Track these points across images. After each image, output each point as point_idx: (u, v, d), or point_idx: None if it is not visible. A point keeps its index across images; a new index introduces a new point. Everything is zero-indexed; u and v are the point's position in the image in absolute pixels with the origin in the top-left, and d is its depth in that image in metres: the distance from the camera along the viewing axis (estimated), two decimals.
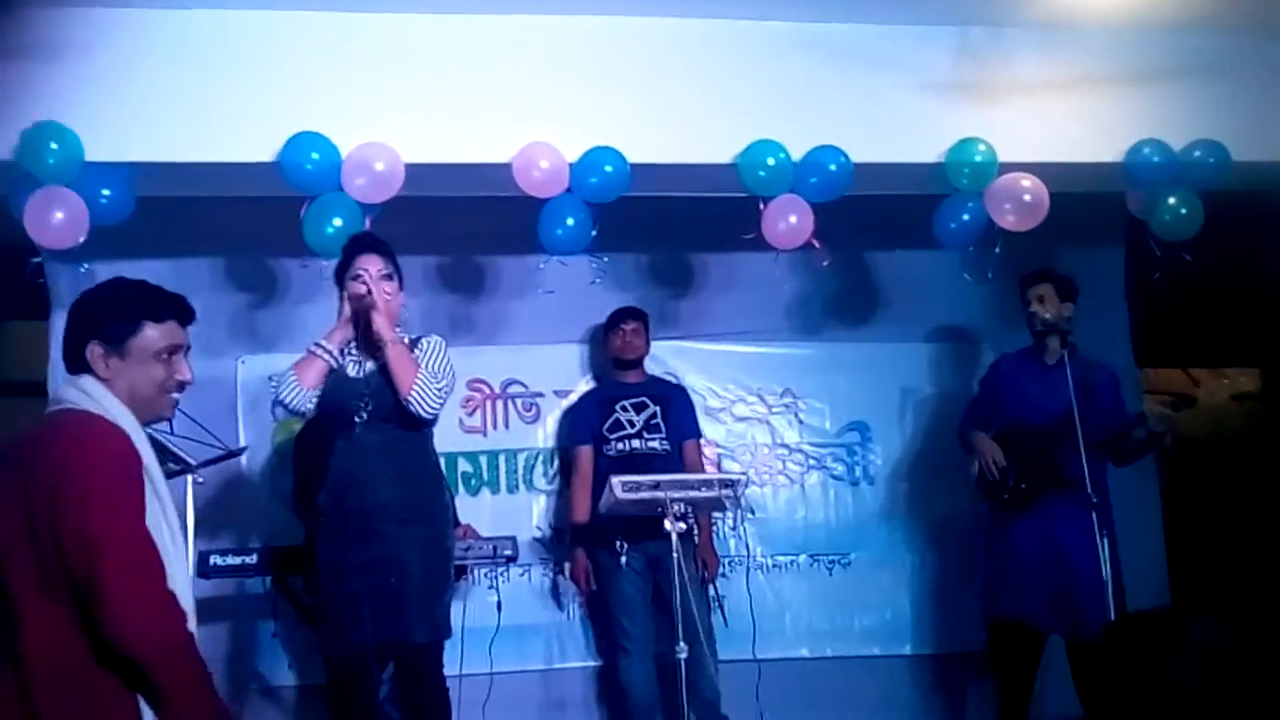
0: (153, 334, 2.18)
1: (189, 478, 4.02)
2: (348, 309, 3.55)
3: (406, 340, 3.58)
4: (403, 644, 3.44)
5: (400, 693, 3.57)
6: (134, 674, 1.95)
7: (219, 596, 4.58)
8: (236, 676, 4.78)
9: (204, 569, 4.11)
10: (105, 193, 3.87)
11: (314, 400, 3.52)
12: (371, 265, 3.55)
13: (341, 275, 3.63)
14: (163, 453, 3.84)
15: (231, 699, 4.72)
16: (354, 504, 3.43)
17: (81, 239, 3.83)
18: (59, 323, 4.70)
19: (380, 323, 3.47)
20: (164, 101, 3.91)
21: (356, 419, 3.48)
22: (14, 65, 3.85)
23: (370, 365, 3.57)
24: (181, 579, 2.09)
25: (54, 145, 3.73)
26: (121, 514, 1.98)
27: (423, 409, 3.48)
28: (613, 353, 4.85)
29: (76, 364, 2.18)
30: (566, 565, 4.80)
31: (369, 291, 3.50)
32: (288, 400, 3.50)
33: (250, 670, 4.81)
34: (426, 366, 3.52)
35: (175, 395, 2.23)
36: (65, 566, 1.94)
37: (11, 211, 3.84)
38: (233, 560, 4.25)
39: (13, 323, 5.73)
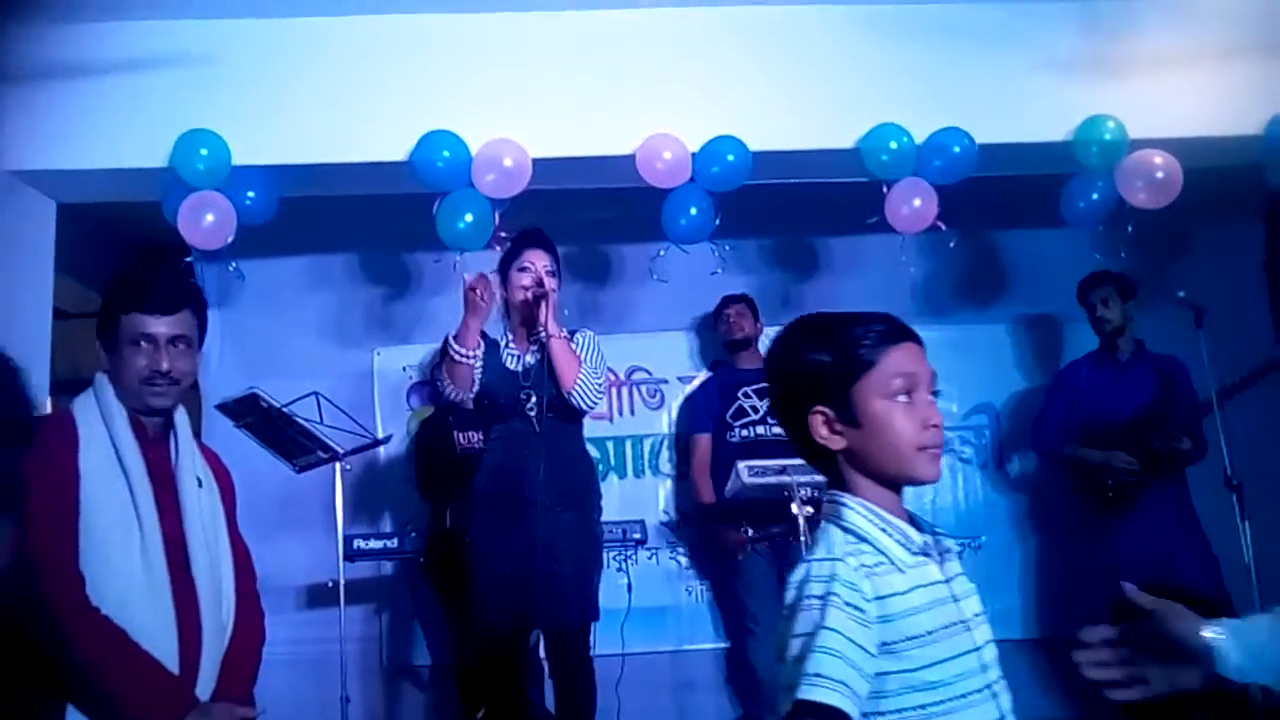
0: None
1: (336, 465, 4.17)
2: (486, 304, 3.56)
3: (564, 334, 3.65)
4: (554, 625, 3.53)
5: (551, 672, 3.67)
6: None
7: (363, 579, 4.78)
8: (378, 655, 4.98)
9: (349, 552, 4.25)
10: (250, 195, 4.03)
11: (472, 397, 3.64)
12: (539, 260, 3.64)
13: (506, 266, 3.70)
14: (313, 441, 4.01)
15: (371, 676, 4.94)
16: (512, 490, 3.50)
17: (229, 239, 3.98)
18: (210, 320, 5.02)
19: (549, 317, 3.54)
20: (303, 106, 4.05)
21: (528, 410, 3.55)
22: (165, 77, 4.06)
23: (529, 359, 3.64)
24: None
25: (204, 151, 3.90)
26: None
27: (584, 402, 3.57)
28: (724, 336, 4.94)
29: None
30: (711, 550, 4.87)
31: (541, 284, 3.57)
32: (455, 399, 3.65)
33: (390, 649, 5.01)
34: (586, 361, 3.59)
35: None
36: None
37: (165, 215, 4.02)
38: (374, 544, 4.39)
39: None
